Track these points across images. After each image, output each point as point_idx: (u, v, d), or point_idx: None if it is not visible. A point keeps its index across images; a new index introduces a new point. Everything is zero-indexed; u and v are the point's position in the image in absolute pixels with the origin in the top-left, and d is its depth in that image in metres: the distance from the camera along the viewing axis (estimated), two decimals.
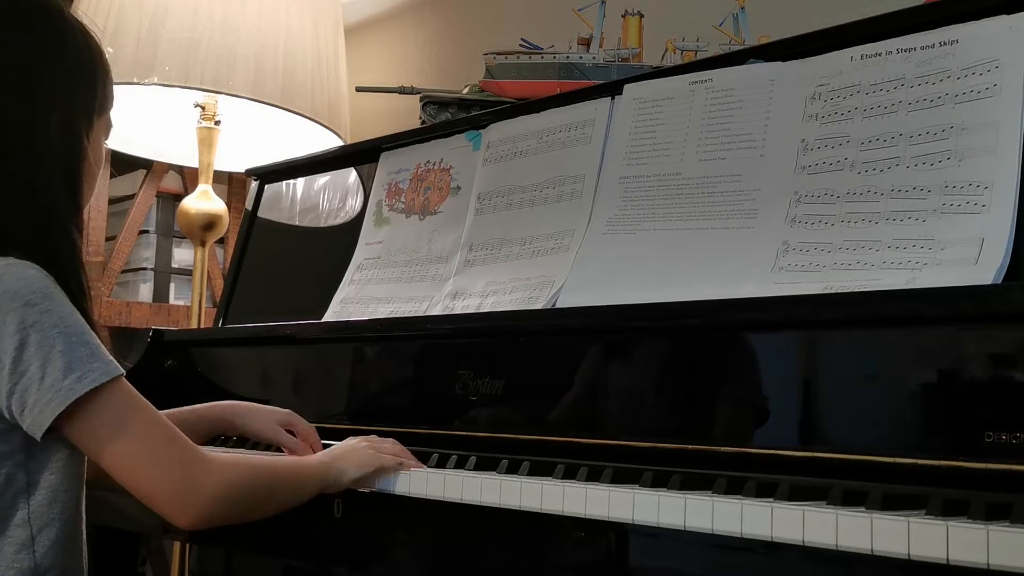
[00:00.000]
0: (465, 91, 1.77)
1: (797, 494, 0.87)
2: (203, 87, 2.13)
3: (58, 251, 1.04)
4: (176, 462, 1.02)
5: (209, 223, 2.29)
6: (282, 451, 1.35)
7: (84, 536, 1.09)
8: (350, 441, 1.20)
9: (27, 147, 1.04)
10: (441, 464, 1.16)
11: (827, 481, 0.88)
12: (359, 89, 1.99)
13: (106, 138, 1.17)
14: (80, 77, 1.10)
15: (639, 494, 0.93)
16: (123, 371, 1.01)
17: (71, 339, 0.98)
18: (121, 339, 2.54)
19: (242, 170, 2.12)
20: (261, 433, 1.33)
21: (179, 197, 2.60)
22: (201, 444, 1.34)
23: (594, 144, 1.39)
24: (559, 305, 1.28)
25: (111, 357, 1.01)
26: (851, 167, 1.12)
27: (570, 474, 1.03)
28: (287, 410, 1.35)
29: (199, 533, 1.39)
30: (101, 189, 2.49)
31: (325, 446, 1.33)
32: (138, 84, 2.08)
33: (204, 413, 1.33)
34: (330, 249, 1.76)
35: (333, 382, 1.50)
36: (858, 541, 0.77)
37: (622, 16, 1.70)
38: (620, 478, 0.99)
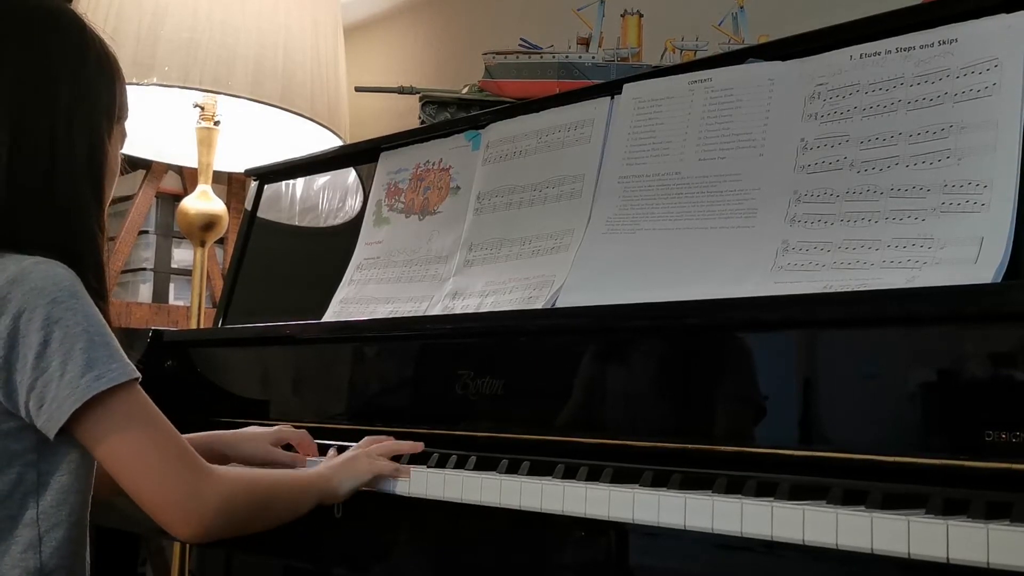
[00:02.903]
0: (464, 91, 1.77)
1: (797, 493, 0.87)
2: (202, 87, 2.13)
3: (81, 251, 1.06)
4: (181, 472, 1.02)
5: (208, 223, 2.29)
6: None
7: (88, 539, 1.09)
8: (348, 452, 1.21)
9: (51, 149, 1.06)
10: (441, 464, 1.16)
11: (827, 480, 0.88)
12: (358, 89, 1.99)
13: (121, 147, 1.19)
14: (100, 83, 1.12)
15: (639, 494, 0.93)
16: (139, 375, 1.02)
17: (93, 338, 1.00)
18: (121, 340, 2.54)
19: (241, 170, 2.12)
20: (255, 458, 1.33)
21: (178, 197, 2.60)
22: None
23: (593, 144, 1.39)
24: (559, 305, 1.28)
25: (128, 360, 1.02)
26: (850, 166, 1.12)
27: (570, 474, 1.03)
28: (275, 427, 1.35)
29: None
30: None
31: (323, 447, 1.33)
32: (137, 84, 2.08)
33: (194, 444, 1.33)
34: (330, 249, 1.76)
35: (333, 382, 1.50)
36: (858, 540, 0.77)
37: (621, 16, 1.70)
38: (620, 478, 0.99)
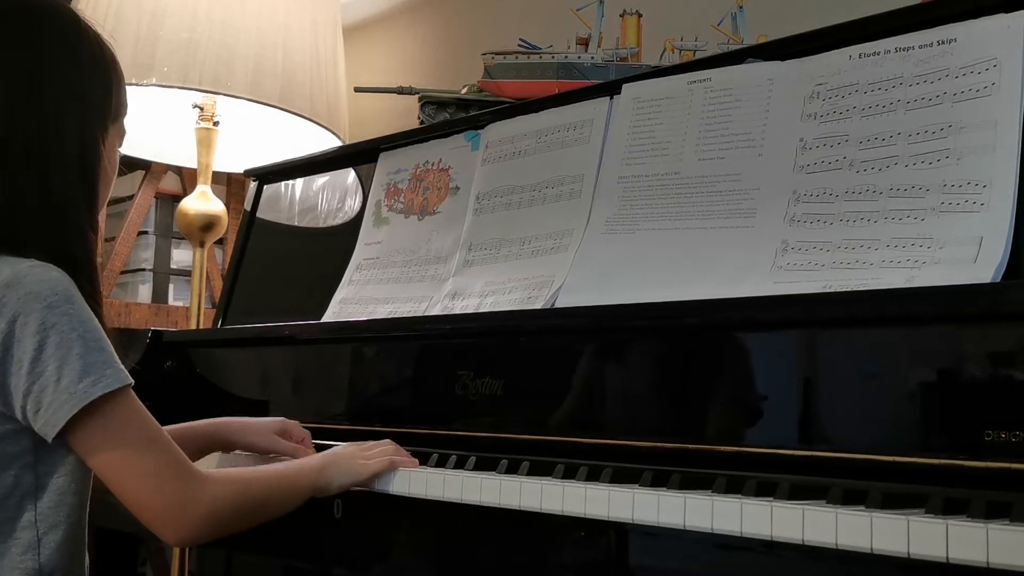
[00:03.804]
0: (464, 91, 1.77)
1: (797, 493, 0.87)
2: (202, 88, 2.13)
3: (73, 251, 1.05)
4: (171, 479, 1.03)
5: (208, 224, 2.29)
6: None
7: (86, 540, 1.09)
8: (344, 448, 1.21)
9: (42, 148, 1.05)
10: (441, 464, 1.16)
11: (827, 480, 0.88)
12: (358, 89, 1.99)
13: (119, 145, 1.18)
14: (94, 81, 1.11)
15: (639, 494, 0.93)
16: (132, 381, 1.02)
17: (88, 344, 0.99)
18: (120, 340, 2.54)
19: (241, 171, 2.12)
20: (257, 446, 1.33)
21: (178, 198, 2.60)
22: (196, 459, 1.35)
23: (593, 144, 1.39)
24: (558, 305, 1.28)
25: (122, 365, 1.02)
26: (850, 166, 1.12)
27: (570, 474, 1.03)
28: (279, 418, 1.36)
29: None
30: None
31: (323, 447, 1.33)
32: (137, 85, 2.08)
33: (198, 430, 1.33)
34: (329, 249, 1.76)
35: (332, 382, 1.50)
36: (858, 540, 0.77)
37: (620, 16, 1.70)
38: (620, 478, 0.99)
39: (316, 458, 1.20)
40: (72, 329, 0.99)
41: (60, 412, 0.98)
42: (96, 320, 1.02)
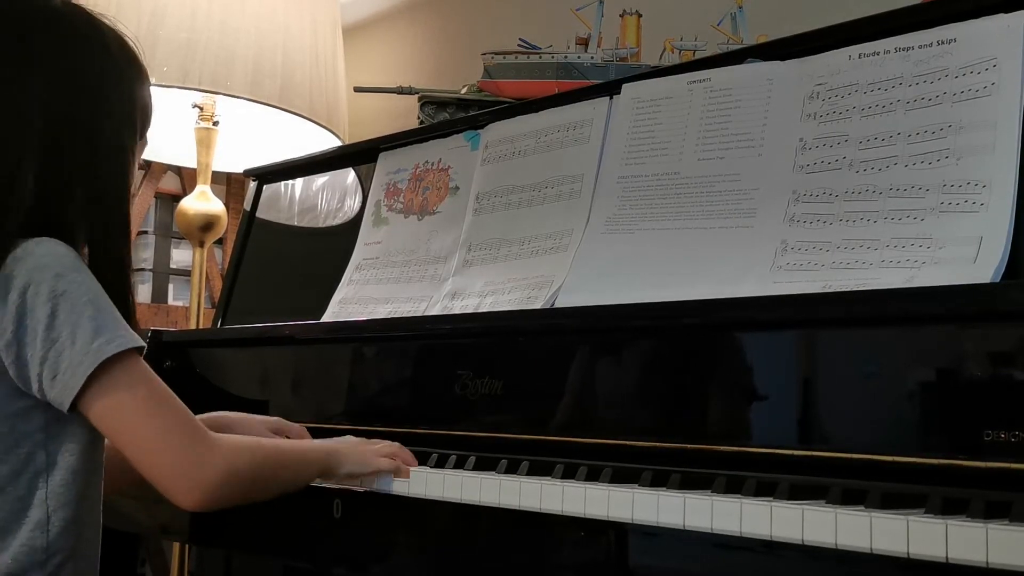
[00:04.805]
0: (463, 91, 1.77)
1: (796, 493, 0.87)
2: (201, 88, 2.13)
3: (112, 235, 1.10)
4: (186, 440, 1.03)
5: (207, 224, 2.29)
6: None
7: (100, 524, 1.10)
8: (348, 438, 1.22)
9: (80, 166, 1.09)
10: (440, 464, 1.16)
11: (826, 480, 0.88)
12: (357, 89, 1.99)
13: (140, 156, 1.21)
14: (131, 100, 1.16)
15: (638, 493, 0.93)
16: (143, 344, 1.04)
17: (99, 307, 1.02)
18: None
19: (240, 170, 2.12)
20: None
21: (177, 198, 2.61)
22: None
23: (592, 144, 1.39)
24: (558, 305, 1.28)
25: (132, 331, 1.04)
26: (849, 166, 1.12)
27: (569, 474, 1.03)
28: (275, 417, 1.36)
29: (199, 533, 1.40)
30: None
31: None
32: None
33: None
34: (329, 249, 1.76)
35: (332, 383, 1.50)
36: (857, 540, 0.77)
37: (620, 15, 1.71)
38: (619, 478, 0.99)
39: (322, 442, 1.21)
40: (82, 295, 1.01)
41: (78, 373, 0.99)
42: (103, 290, 1.04)
